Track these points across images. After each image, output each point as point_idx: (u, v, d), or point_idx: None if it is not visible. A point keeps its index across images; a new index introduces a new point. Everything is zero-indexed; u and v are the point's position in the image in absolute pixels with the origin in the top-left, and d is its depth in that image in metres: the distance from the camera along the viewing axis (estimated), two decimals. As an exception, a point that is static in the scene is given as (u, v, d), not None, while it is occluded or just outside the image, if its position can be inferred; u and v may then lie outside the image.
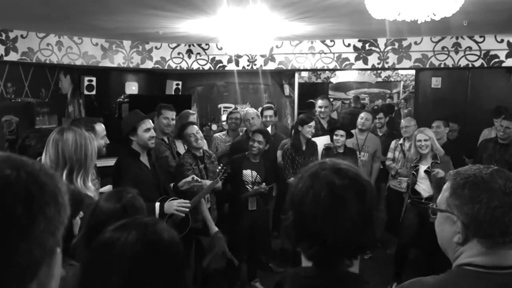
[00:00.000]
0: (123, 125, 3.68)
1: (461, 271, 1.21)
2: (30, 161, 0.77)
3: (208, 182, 4.04)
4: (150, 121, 3.68)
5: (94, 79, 6.87)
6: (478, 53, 6.15)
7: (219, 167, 4.12)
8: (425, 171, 4.50)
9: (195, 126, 4.28)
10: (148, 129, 3.58)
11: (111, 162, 3.71)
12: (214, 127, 5.67)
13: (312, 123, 4.92)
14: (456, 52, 6.23)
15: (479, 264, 1.19)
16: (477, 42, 6.14)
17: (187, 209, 3.57)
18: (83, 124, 2.95)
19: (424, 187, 4.56)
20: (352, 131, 5.37)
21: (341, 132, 4.98)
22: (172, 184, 3.93)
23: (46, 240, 0.73)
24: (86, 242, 1.82)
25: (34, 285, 0.73)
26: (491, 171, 1.22)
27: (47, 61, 6.10)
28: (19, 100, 5.86)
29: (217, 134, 5.68)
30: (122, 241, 1.17)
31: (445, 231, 1.28)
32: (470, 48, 6.17)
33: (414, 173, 4.59)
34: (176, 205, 3.52)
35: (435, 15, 3.04)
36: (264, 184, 4.49)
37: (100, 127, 3.26)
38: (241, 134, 5.60)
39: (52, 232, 0.74)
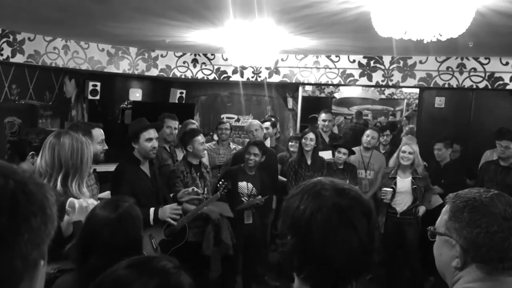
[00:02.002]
0: (128, 131, 3.67)
1: (459, 297, 1.19)
2: (20, 169, 0.75)
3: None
4: (154, 131, 3.62)
5: (98, 84, 6.88)
6: (482, 74, 6.16)
7: (220, 182, 4.11)
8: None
9: (202, 135, 4.27)
10: (150, 139, 3.52)
11: (112, 167, 3.69)
12: (216, 137, 5.65)
13: (310, 135, 4.91)
14: (461, 73, 6.24)
15: None
16: (482, 64, 6.15)
17: (179, 217, 3.53)
18: (81, 129, 2.92)
19: (400, 200, 4.73)
20: (356, 148, 5.35)
21: (343, 150, 4.99)
22: (172, 194, 3.90)
23: (29, 252, 0.70)
24: (80, 249, 1.81)
25: None
26: (491, 195, 1.21)
27: (53, 65, 6.13)
28: (23, 102, 5.87)
29: (207, 144, 5.66)
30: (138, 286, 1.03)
31: (443, 255, 1.26)
32: (475, 69, 6.18)
33: (394, 186, 4.74)
34: (169, 212, 3.44)
35: (441, 35, 3.05)
36: (260, 196, 4.46)
37: (98, 132, 3.20)
38: (231, 145, 5.66)
39: (37, 244, 0.72)
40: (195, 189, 3.85)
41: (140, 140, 3.52)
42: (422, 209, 4.76)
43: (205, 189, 4.15)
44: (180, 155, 4.71)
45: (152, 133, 3.56)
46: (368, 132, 5.51)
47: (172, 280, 1.05)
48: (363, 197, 1.14)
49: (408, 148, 4.73)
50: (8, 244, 0.68)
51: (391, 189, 4.72)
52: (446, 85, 6.31)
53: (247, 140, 5.45)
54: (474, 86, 6.22)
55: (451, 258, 1.22)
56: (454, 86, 6.28)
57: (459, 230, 1.20)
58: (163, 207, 3.50)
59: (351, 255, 1.05)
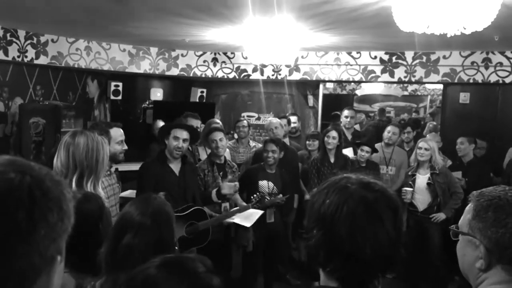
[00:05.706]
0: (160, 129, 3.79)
1: (483, 300, 1.15)
2: (37, 166, 0.77)
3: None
4: (187, 133, 3.64)
5: (120, 84, 6.97)
6: (509, 69, 5.99)
7: (256, 194, 4.08)
8: (427, 183, 4.63)
9: (221, 132, 4.26)
10: (176, 138, 3.58)
11: (134, 167, 3.73)
12: (236, 135, 5.65)
13: (332, 134, 4.84)
14: (486, 68, 6.08)
15: None
16: (508, 58, 5.98)
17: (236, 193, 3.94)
18: (98, 129, 2.92)
19: (420, 198, 4.66)
20: (377, 144, 5.28)
21: (366, 148, 4.93)
22: (215, 190, 3.93)
23: (46, 247, 0.72)
24: (112, 248, 1.81)
25: None
26: (517, 193, 1.16)
27: (76, 66, 6.22)
28: (47, 103, 5.98)
29: None
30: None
31: (467, 255, 1.21)
32: (501, 63, 6.02)
33: (411, 183, 4.69)
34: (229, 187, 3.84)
35: (465, 28, 2.96)
36: (281, 195, 4.43)
37: (117, 132, 3.18)
38: (251, 143, 5.66)
39: (54, 239, 0.73)
40: (237, 184, 3.94)
41: (170, 137, 3.61)
42: (441, 216, 4.56)
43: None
44: (202, 153, 4.72)
45: (180, 133, 3.61)
46: (389, 128, 5.44)
47: (202, 283, 1.04)
48: (390, 191, 1.12)
49: (424, 144, 4.65)
50: (26, 239, 0.69)
51: (411, 189, 4.65)
52: (471, 80, 6.16)
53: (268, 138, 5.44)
54: (500, 81, 6.06)
55: (475, 259, 1.18)
56: (479, 81, 6.13)
57: (483, 230, 1.15)
58: (224, 182, 3.86)
59: (377, 248, 1.03)
